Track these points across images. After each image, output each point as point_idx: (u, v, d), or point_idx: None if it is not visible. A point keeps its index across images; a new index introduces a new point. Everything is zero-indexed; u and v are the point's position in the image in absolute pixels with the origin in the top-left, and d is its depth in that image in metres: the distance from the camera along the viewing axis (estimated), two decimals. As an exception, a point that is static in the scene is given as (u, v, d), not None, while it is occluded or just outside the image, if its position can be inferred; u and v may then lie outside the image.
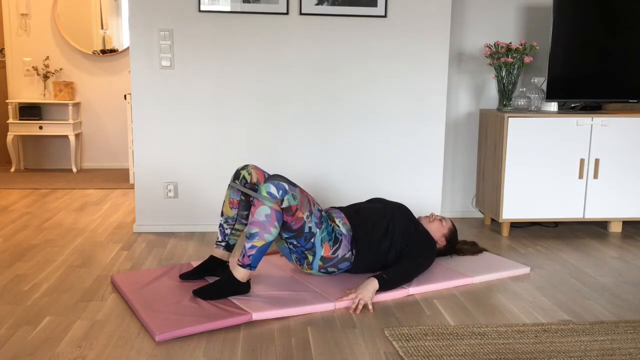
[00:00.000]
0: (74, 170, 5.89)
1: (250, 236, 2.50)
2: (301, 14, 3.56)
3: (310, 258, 2.70)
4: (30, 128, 5.75)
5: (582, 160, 3.69)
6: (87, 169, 6.09)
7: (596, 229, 3.98)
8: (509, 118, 3.60)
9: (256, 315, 2.39)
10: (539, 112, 3.73)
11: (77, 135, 6.02)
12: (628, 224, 4.08)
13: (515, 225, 4.01)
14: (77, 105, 6.03)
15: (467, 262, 3.12)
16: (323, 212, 2.71)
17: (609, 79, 3.78)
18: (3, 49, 6.04)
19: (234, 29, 3.56)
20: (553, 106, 3.74)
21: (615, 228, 3.91)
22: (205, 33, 3.54)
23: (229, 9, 3.51)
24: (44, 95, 5.94)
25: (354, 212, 2.86)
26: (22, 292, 2.66)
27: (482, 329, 2.33)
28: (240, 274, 2.54)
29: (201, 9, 3.50)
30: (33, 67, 5.91)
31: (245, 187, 2.75)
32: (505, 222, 3.75)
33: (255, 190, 2.73)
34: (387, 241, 2.80)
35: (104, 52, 6.03)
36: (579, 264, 3.23)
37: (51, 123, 5.77)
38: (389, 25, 3.64)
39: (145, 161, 3.65)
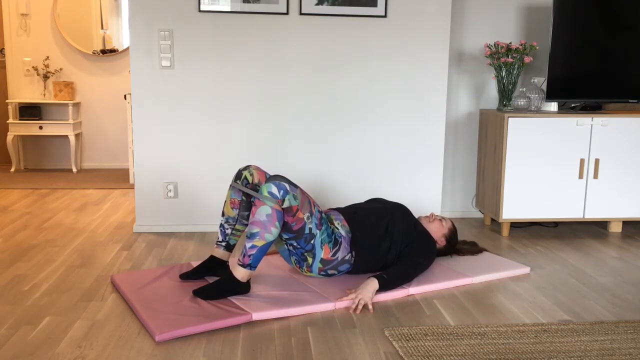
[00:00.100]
0: (74, 170, 5.89)
1: (251, 236, 2.50)
2: (301, 14, 3.56)
3: (310, 260, 2.70)
4: (30, 128, 5.75)
5: (582, 160, 3.70)
6: (87, 169, 6.09)
7: (596, 229, 3.98)
8: (509, 118, 3.60)
9: (256, 315, 2.39)
10: (539, 112, 3.73)
11: (77, 135, 6.02)
12: (628, 224, 4.09)
13: (515, 225, 4.01)
14: (77, 105, 6.03)
15: (467, 262, 3.12)
16: (323, 214, 2.71)
17: (609, 79, 3.78)
18: (3, 49, 6.04)
19: (234, 29, 3.56)
20: (553, 106, 3.74)
21: (615, 228, 3.91)
22: (205, 33, 3.54)
23: (229, 9, 3.51)
24: (44, 95, 5.94)
25: (352, 213, 2.86)
26: (22, 292, 2.66)
27: (482, 329, 2.33)
28: (240, 273, 2.54)
29: (201, 9, 3.50)
30: (33, 67, 5.91)
31: (247, 188, 2.75)
32: (505, 222, 3.75)
33: (257, 191, 2.73)
34: (386, 241, 2.80)
35: (104, 52, 6.03)
36: (579, 264, 3.23)
37: (51, 123, 5.77)
38: (389, 25, 3.64)
39: (145, 161, 3.65)
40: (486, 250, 3.32)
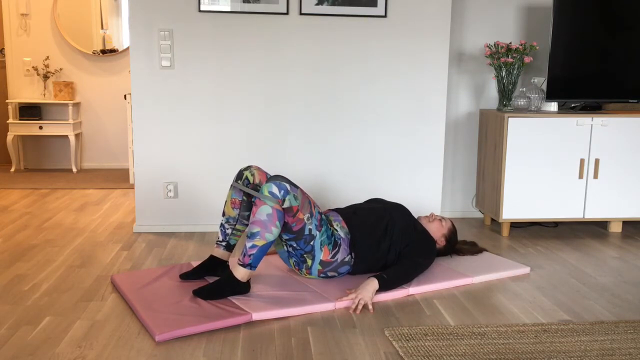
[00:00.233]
0: (74, 170, 5.89)
1: (252, 235, 2.50)
2: (301, 14, 3.56)
3: (310, 262, 2.70)
4: (30, 128, 5.75)
5: (582, 160, 3.70)
6: (87, 169, 6.09)
7: (596, 229, 3.98)
8: (509, 118, 3.60)
9: (256, 315, 2.39)
10: (539, 112, 3.73)
11: (77, 135, 6.02)
12: (628, 224, 4.09)
13: (515, 225, 4.01)
14: (77, 105, 6.03)
15: (467, 262, 3.12)
16: (323, 215, 2.71)
17: (609, 79, 3.78)
18: (3, 49, 6.04)
19: (234, 29, 3.56)
20: (553, 106, 3.74)
21: (615, 228, 3.91)
22: (205, 33, 3.54)
23: (229, 9, 3.51)
24: (44, 95, 5.94)
25: (351, 213, 2.86)
26: (22, 292, 2.66)
27: (482, 329, 2.33)
28: (240, 273, 2.54)
29: (201, 9, 3.50)
30: (33, 67, 5.91)
31: (248, 188, 2.75)
32: (505, 222, 3.75)
33: (258, 191, 2.73)
34: (386, 241, 2.80)
35: (104, 52, 6.03)
36: (579, 264, 3.23)
37: (51, 123, 5.77)
38: (389, 25, 3.64)
39: (145, 161, 3.65)
40: (486, 250, 3.32)
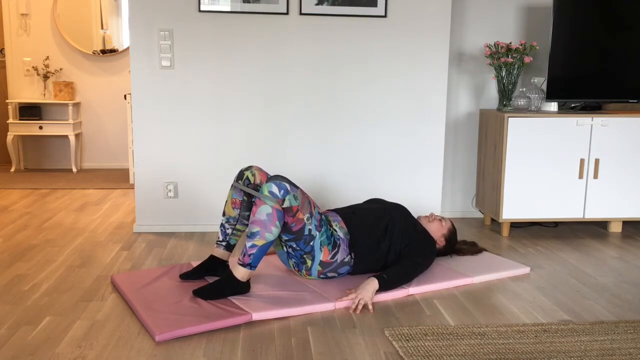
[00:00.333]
0: (74, 170, 5.89)
1: (251, 235, 2.50)
2: (301, 14, 3.56)
3: (309, 263, 2.70)
4: (30, 128, 5.75)
5: (582, 160, 3.70)
6: (87, 169, 6.09)
7: (596, 229, 3.98)
8: (509, 118, 3.60)
9: (256, 315, 2.39)
10: (539, 112, 3.73)
11: (77, 135, 6.02)
12: (628, 224, 4.08)
13: (515, 225, 4.01)
14: (77, 105, 6.03)
15: (467, 262, 3.12)
16: (323, 216, 2.71)
17: (609, 79, 3.78)
18: (3, 49, 6.04)
19: (234, 29, 3.56)
20: (553, 106, 3.74)
21: (615, 228, 3.91)
22: (205, 33, 3.54)
23: (229, 9, 3.51)
24: (44, 95, 5.94)
25: (350, 213, 2.86)
26: (22, 292, 2.66)
27: (482, 329, 2.33)
28: (240, 273, 2.54)
29: (201, 9, 3.50)
30: (33, 67, 5.91)
31: (248, 188, 2.75)
32: (505, 222, 3.75)
33: (258, 192, 2.73)
34: (386, 242, 2.79)
35: (104, 52, 6.04)
36: (579, 264, 3.23)
37: (51, 123, 5.77)
38: (389, 25, 3.64)
39: (145, 161, 3.65)
40: (486, 250, 3.32)
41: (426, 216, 3.08)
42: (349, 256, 2.75)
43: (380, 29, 3.64)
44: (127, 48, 5.95)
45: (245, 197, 2.79)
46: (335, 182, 3.78)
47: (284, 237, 2.64)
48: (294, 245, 2.66)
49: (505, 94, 3.75)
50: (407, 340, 2.22)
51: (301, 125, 3.70)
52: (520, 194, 3.70)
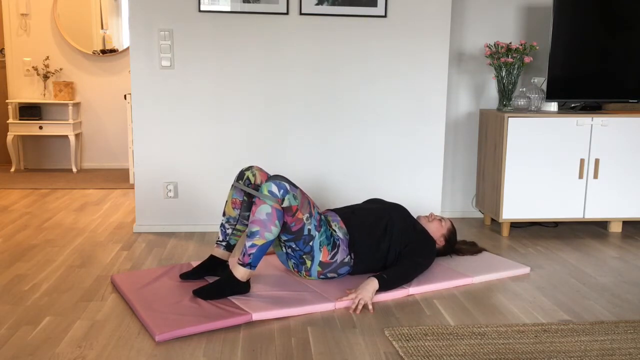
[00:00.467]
0: (74, 170, 5.89)
1: (251, 235, 2.50)
2: (301, 14, 3.56)
3: (309, 263, 2.70)
4: (30, 128, 5.75)
5: (582, 160, 3.70)
6: (87, 169, 6.09)
7: (596, 229, 3.98)
8: (509, 118, 3.60)
9: (256, 315, 2.39)
10: (539, 112, 3.73)
11: (77, 135, 6.03)
12: (628, 224, 4.09)
13: (515, 225, 4.01)
14: (77, 105, 6.03)
15: (467, 262, 3.12)
16: (322, 216, 2.71)
17: (609, 79, 3.78)
18: (3, 49, 6.04)
19: (234, 29, 3.56)
20: (553, 106, 3.74)
21: (615, 228, 3.91)
22: (205, 33, 3.54)
23: (229, 9, 3.51)
24: (44, 95, 5.94)
25: (350, 213, 2.86)
26: (22, 292, 2.66)
27: (482, 329, 2.33)
28: (240, 273, 2.54)
29: (201, 9, 3.50)
30: (33, 67, 5.91)
31: (249, 188, 2.75)
32: (505, 222, 3.75)
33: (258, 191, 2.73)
34: (386, 242, 2.79)
35: (104, 52, 6.04)
36: (579, 264, 3.23)
37: (51, 123, 5.77)
38: (389, 25, 3.64)
39: (145, 161, 3.65)
40: (486, 250, 3.32)
41: (426, 216, 3.08)
42: (349, 256, 2.75)
43: (380, 29, 3.64)
44: (127, 48, 5.95)
45: (245, 198, 2.79)
46: (335, 182, 3.78)
47: (283, 237, 2.64)
48: (293, 246, 2.66)
49: (505, 94, 3.75)
50: (407, 340, 2.22)
51: (301, 125, 3.70)
52: (520, 194, 3.70)
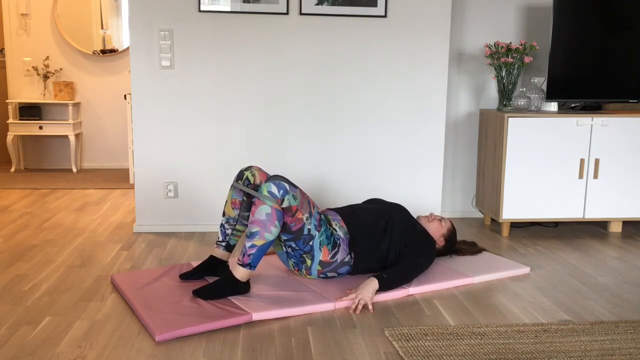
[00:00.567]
0: (74, 170, 5.89)
1: (251, 235, 2.50)
2: (301, 14, 3.56)
3: (309, 262, 2.70)
4: (30, 128, 5.75)
5: (582, 160, 3.70)
6: (87, 169, 6.09)
7: (596, 229, 3.98)
8: (509, 118, 3.60)
9: (256, 315, 2.39)
10: (539, 112, 3.73)
11: (77, 135, 6.03)
12: (628, 224, 4.09)
13: (515, 225, 4.01)
14: (77, 105, 6.03)
15: (467, 262, 3.12)
16: (322, 216, 2.71)
17: (609, 79, 3.78)
18: (3, 49, 6.04)
19: (234, 29, 3.56)
20: (553, 106, 3.74)
21: (615, 228, 3.91)
22: (205, 33, 3.54)
23: (229, 9, 3.51)
24: (44, 95, 5.94)
25: (350, 213, 2.86)
26: (22, 292, 2.66)
27: (482, 329, 2.33)
28: (240, 273, 2.54)
29: (201, 9, 3.50)
30: (33, 67, 5.91)
31: (248, 188, 2.75)
32: (505, 222, 3.75)
33: (257, 192, 2.73)
34: (386, 241, 2.79)
35: (104, 52, 6.04)
36: (579, 264, 3.23)
37: (51, 123, 5.77)
38: (389, 25, 3.64)
39: (145, 161, 3.65)
40: (486, 250, 3.32)
41: (426, 216, 3.07)
42: (349, 256, 2.75)
43: (380, 29, 3.64)
44: (127, 48, 5.95)
45: (245, 198, 2.79)
46: (335, 182, 3.78)
47: (283, 237, 2.64)
48: (293, 245, 2.66)
49: (505, 94, 3.75)
50: (407, 340, 2.22)
51: (301, 125, 3.70)
52: (520, 194, 3.70)
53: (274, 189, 2.50)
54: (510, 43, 3.69)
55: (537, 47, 3.80)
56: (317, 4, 3.55)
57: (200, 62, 3.57)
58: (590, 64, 3.75)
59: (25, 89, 5.97)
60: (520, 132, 3.63)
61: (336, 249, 2.70)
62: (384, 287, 2.62)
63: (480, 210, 4.17)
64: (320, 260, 2.69)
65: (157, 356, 2.08)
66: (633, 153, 3.73)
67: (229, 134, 3.66)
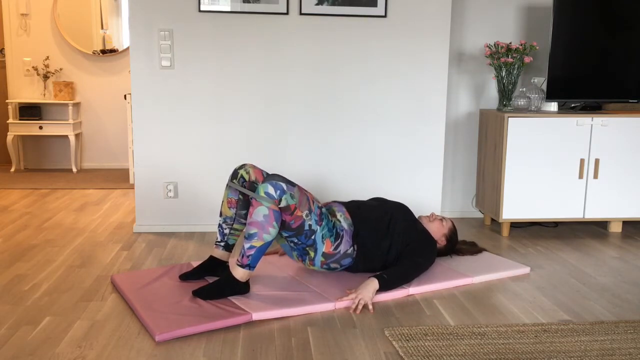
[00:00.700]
0: (74, 170, 5.89)
1: (249, 236, 2.50)
2: (301, 14, 3.56)
3: (312, 254, 2.70)
4: (30, 128, 5.75)
5: (582, 160, 3.70)
6: (87, 169, 6.09)
7: (596, 229, 3.98)
8: (509, 118, 3.60)
9: (256, 315, 2.39)
10: (539, 112, 3.73)
11: (77, 135, 6.02)
12: (628, 224, 4.08)
13: (515, 225, 4.01)
14: (77, 105, 6.03)
15: (467, 262, 3.12)
16: (323, 209, 2.71)
17: (609, 79, 3.78)
18: (3, 49, 6.04)
19: (234, 29, 3.56)
20: (553, 106, 3.74)
21: (615, 228, 3.91)
22: (205, 33, 3.54)
23: (229, 9, 3.51)
24: (44, 95, 5.94)
25: (355, 207, 2.86)
26: (22, 292, 2.66)
27: (482, 329, 2.33)
28: (239, 274, 2.54)
29: (201, 9, 3.50)
30: (33, 67, 5.91)
31: (244, 187, 2.75)
32: (505, 222, 3.75)
33: (254, 189, 2.73)
34: (387, 240, 2.79)
35: (104, 52, 6.04)
36: (579, 264, 3.23)
37: (51, 123, 5.77)
38: (389, 25, 3.64)
39: (145, 161, 3.65)
40: (486, 250, 3.32)
41: (427, 216, 3.07)
42: (352, 248, 2.75)
43: (380, 29, 3.64)
44: (127, 48, 5.95)
45: (241, 196, 2.79)
46: (335, 182, 3.78)
47: (285, 234, 2.65)
48: (295, 240, 2.66)
49: (505, 94, 3.75)
50: (407, 340, 2.22)
51: (301, 125, 3.70)
52: (520, 194, 3.70)
53: (271, 190, 2.50)
54: (510, 43, 3.69)
55: (537, 47, 3.80)
56: (317, 4, 3.55)
57: (200, 62, 3.57)
58: (590, 64, 3.75)
59: (25, 89, 5.97)
60: (520, 132, 3.63)
61: (339, 240, 2.70)
62: (384, 287, 2.62)
63: (480, 210, 4.17)
64: (323, 252, 2.68)
65: (157, 356, 2.08)
66: (633, 153, 3.72)
67: (229, 134, 3.66)
